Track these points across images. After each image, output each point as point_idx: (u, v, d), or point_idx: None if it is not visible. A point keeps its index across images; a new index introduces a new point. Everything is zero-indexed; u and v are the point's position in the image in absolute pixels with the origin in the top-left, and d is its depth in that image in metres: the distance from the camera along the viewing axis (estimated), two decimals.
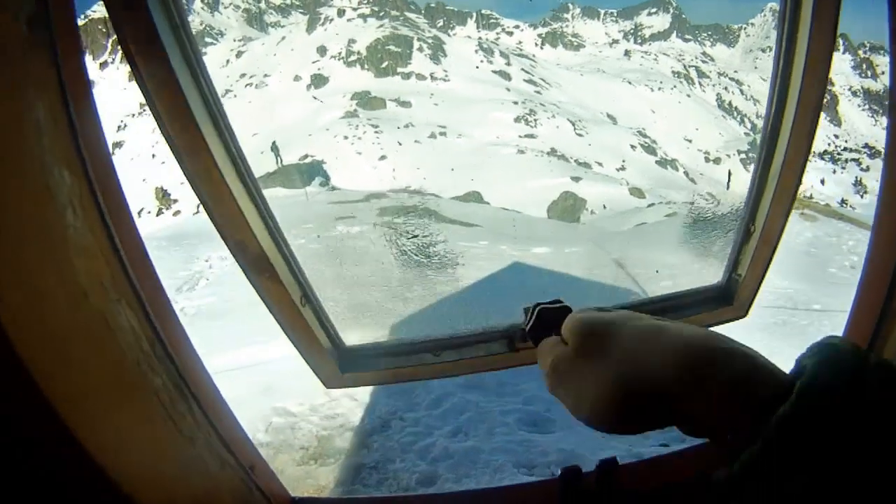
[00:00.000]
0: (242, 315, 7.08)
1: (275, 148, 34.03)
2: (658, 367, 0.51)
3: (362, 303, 6.89)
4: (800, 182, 1.06)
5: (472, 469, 3.89)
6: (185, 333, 0.94)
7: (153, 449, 0.79)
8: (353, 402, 4.87)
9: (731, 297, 1.23)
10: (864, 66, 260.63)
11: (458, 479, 3.80)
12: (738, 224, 1.18)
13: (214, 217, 0.94)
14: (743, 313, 1.24)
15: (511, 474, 3.82)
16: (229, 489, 0.99)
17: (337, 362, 1.20)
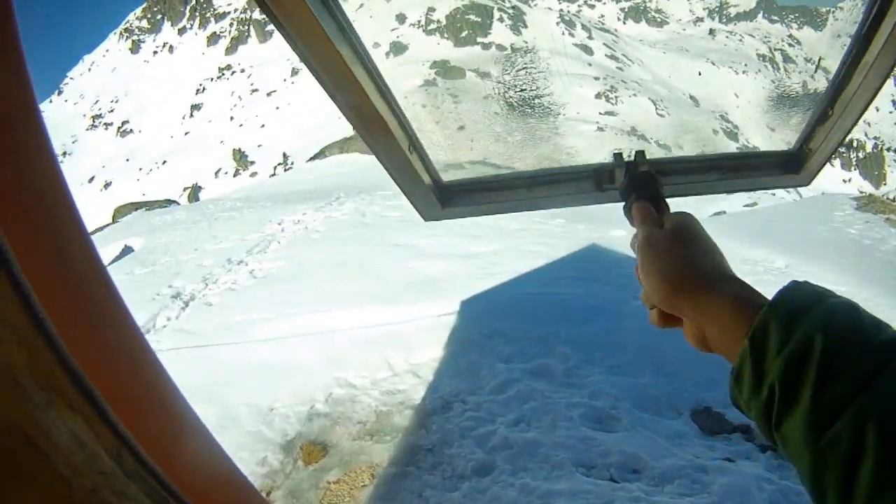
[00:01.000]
0: (312, 281, 7.16)
1: None
2: (695, 280, 0.69)
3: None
4: (886, 79, 1.05)
5: (530, 462, 3.79)
6: (181, 403, 0.70)
7: None
8: (417, 379, 4.84)
9: (800, 166, 1.30)
10: None
11: (515, 471, 3.71)
12: (818, 103, 1.19)
13: (329, 86, 0.93)
14: (807, 182, 1.33)
15: (569, 472, 3.70)
16: None
17: (437, 197, 1.25)
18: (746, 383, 0.56)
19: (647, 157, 0.99)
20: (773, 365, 0.53)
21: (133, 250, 11.23)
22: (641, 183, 0.90)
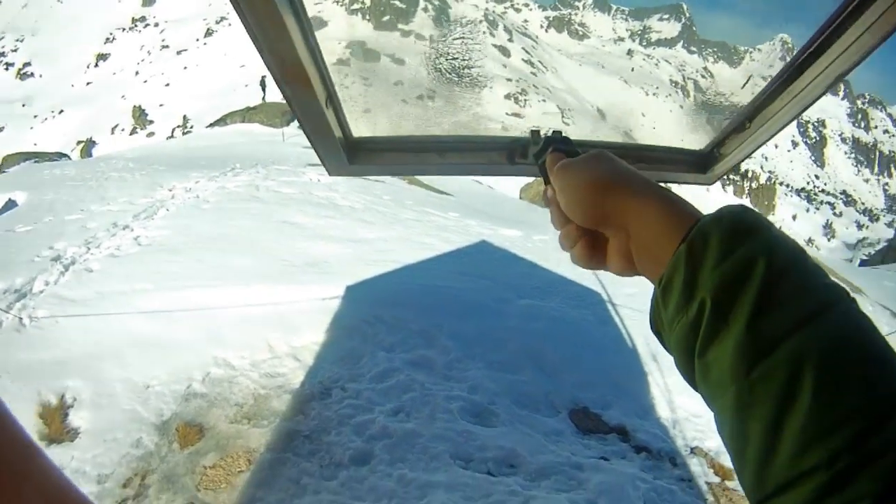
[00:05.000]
0: (197, 253, 6.85)
1: (263, 83, 33.55)
2: (624, 184, 0.62)
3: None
4: (805, 109, 1.13)
5: (408, 453, 3.79)
6: None
7: None
8: (297, 362, 4.73)
9: (707, 167, 1.34)
10: (860, 117, 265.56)
11: (393, 462, 3.70)
12: (738, 114, 1.24)
13: (255, 31, 0.85)
14: (711, 182, 1.38)
15: (447, 464, 3.73)
16: None
17: (346, 152, 1.21)
18: (674, 295, 0.51)
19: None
20: (708, 277, 0.49)
21: (17, 204, 10.43)
22: (558, 140, 0.85)
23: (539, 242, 9.75)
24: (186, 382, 4.37)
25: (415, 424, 4.04)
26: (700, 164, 1.35)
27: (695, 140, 1.37)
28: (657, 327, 0.55)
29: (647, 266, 0.59)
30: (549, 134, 0.88)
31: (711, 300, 0.47)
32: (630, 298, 6.80)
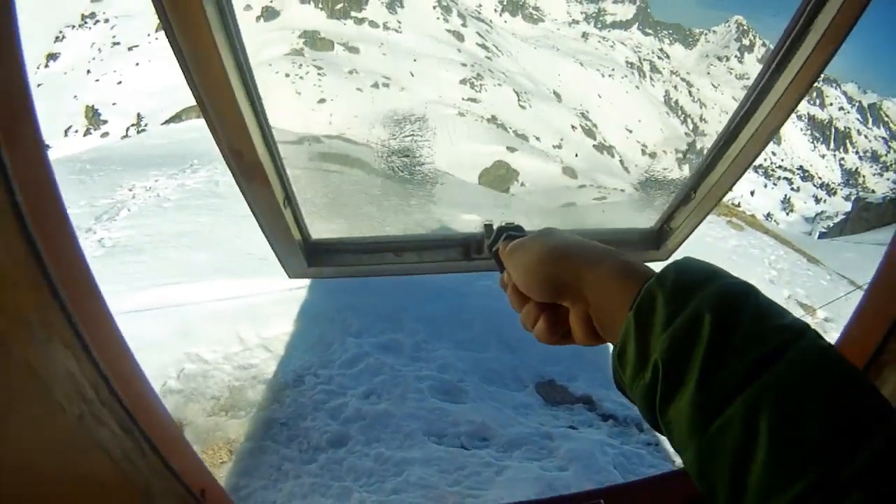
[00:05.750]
0: (162, 252, 6.85)
1: None
2: (576, 254, 0.64)
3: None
4: (745, 170, 1.20)
5: (383, 433, 3.91)
6: (130, 353, 0.82)
7: None
8: (268, 353, 4.80)
9: (659, 243, 1.41)
10: (815, 94, 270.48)
11: (369, 442, 3.82)
12: (683, 187, 1.31)
13: (216, 125, 0.90)
14: (665, 258, 1.41)
15: (421, 441, 3.86)
16: None
17: (304, 254, 1.24)
18: (630, 362, 0.52)
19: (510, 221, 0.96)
20: (658, 341, 0.49)
21: None
22: (510, 228, 0.88)
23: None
24: (162, 380, 4.40)
25: (387, 405, 4.16)
26: (652, 241, 1.41)
27: (645, 218, 1.43)
28: (620, 386, 0.56)
29: (608, 333, 0.60)
30: (503, 224, 0.92)
31: (663, 363, 0.48)
32: None
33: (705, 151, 1.26)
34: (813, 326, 0.47)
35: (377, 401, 4.23)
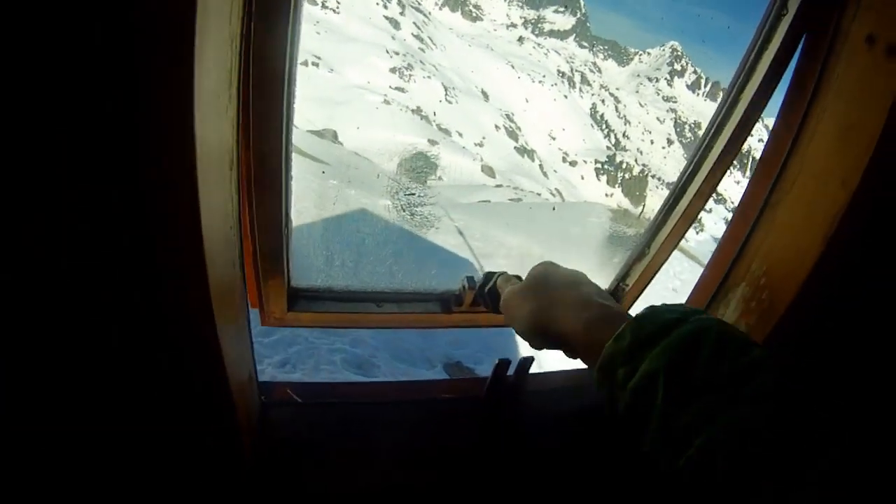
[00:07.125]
0: None
1: None
2: (557, 316, 0.71)
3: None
4: (691, 224, 1.31)
5: None
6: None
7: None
8: None
9: (616, 301, 1.36)
10: None
11: None
12: (637, 243, 1.38)
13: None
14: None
15: None
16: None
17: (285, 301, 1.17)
18: (606, 405, 0.59)
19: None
20: (621, 396, 0.55)
21: None
22: (499, 273, 0.99)
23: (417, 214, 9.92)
24: None
25: (301, 375, 4.26)
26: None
27: (600, 279, 1.43)
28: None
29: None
30: (489, 272, 1.00)
31: (629, 413, 0.55)
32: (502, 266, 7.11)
33: (655, 211, 1.34)
34: None
35: (292, 370, 4.31)
